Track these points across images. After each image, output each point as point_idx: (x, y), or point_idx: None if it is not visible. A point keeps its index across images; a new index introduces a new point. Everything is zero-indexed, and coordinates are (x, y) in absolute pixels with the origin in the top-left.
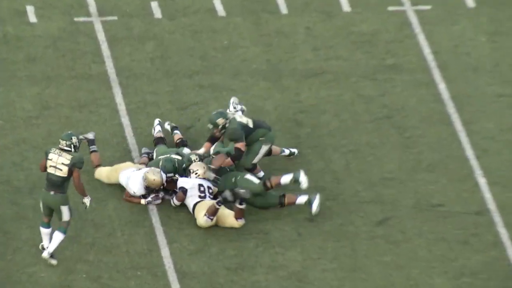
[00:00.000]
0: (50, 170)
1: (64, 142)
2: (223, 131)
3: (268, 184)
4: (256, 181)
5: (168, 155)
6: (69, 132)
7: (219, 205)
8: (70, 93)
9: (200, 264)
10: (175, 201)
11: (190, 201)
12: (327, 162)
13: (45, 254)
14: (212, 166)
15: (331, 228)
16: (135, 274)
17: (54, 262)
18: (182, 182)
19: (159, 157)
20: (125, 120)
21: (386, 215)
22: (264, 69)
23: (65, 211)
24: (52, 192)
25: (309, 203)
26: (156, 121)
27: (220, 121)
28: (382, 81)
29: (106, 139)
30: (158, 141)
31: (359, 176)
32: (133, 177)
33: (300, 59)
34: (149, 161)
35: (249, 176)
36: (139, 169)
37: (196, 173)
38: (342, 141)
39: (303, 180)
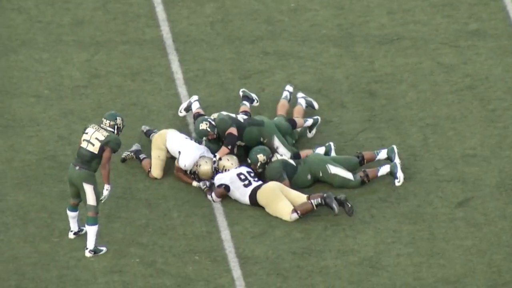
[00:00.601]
0: (82, 144)
1: (108, 121)
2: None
3: (366, 180)
4: (347, 174)
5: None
6: (114, 111)
7: (317, 207)
8: (121, 60)
9: (264, 248)
10: (214, 198)
11: (240, 194)
12: (403, 137)
13: (87, 254)
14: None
15: (407, 210)
16: (192, 259)
17: (102, 250)
18: (219, 178)
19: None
20: (182, 90)
21: (467, 196)
22: (335, 34)
23: (88, 191)
24: (77, 167)
25: (391, 173)
26: (195, 97)
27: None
28: (464, 48)
29: (161, 111)
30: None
31: (438, 153)
32: (186, 147)
33: (375, 24)
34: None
35: (337, 170)
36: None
37: (225, 169)
38: (420, 114)
39: (400, 176)
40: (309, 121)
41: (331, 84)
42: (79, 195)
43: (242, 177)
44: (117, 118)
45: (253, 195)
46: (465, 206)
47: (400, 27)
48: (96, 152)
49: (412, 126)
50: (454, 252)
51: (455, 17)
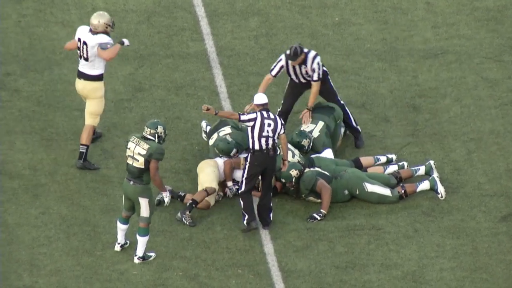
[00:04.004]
0: (128, 160)
1: (149, 130)
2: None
3: (404, 195)
4: (385, 191)
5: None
6: (156, 120)
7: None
8: (165, 74)
9: (307, 262)
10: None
11: None
12: (447, 152)
13: (136, 260)
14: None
15: (450, 224)
16: (235, 272)
17: (151, 256)
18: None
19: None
20: (226, 104)
21: (510, 210)
22: (379, 48)
23: (144, 205)
24: (131, 182)
25: (432, 189)
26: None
27: (305, 142)
28: (508, 63)
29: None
30: None
31: (481, 167)
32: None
33: (419, 38)
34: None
35: (374, 187)
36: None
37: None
38: (464, 129)
39: (441, 190)
40: (383, 159)
41: (375, 98)
42: (133, 208)
43: None
44: (158, 126)
45: None
46: (509, 221)
47: (444, 41)
48: (143, 167)
49: (455, 141)
50: (497, 266)
51: (500, 31)
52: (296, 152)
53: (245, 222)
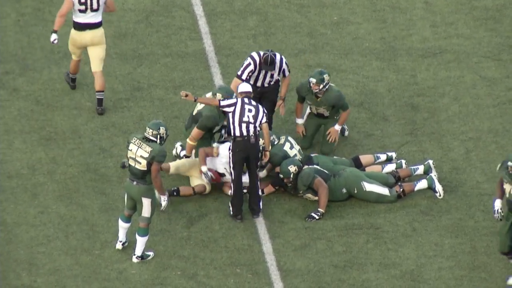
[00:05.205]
0: (130, 162)
1: (151, 131)
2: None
3: (402, 195)
4: (383, 190)
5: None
6: (158, 121)
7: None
8: (164, 73)
9: (305, 261)
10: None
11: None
12: (445, 151)
13: (134, 260)
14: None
15: (449, 223)
16: (234, 272)
17: (150, 255)
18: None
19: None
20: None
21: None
22: (377, 47)
23: (146, 205)
24: (134, 183)
25: (430, 187)
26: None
27: (326, 77)
28: (507, 62)
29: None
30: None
31: (480, 166)
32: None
33: (417, 37)
34: None
35: (372, 187)
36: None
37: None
38: (462, 128)
39: (439, 189)
40: (382, 157)
41: (373, 97)
42: (135, 207)
43: None
44: (160, 128)
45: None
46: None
47: (443, 40)
48: (145, 169)
49: (454, 140)
50: (495, 265)
51: (498, 30)
52: (296, 147)
53: (230, 213)
